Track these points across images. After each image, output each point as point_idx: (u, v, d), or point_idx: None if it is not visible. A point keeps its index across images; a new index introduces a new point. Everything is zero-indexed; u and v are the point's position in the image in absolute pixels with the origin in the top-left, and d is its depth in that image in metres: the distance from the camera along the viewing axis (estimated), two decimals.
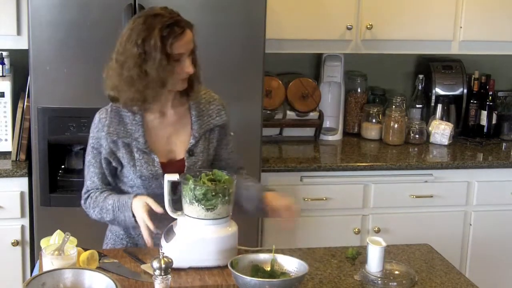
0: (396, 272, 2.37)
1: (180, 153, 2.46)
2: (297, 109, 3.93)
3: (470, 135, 4.19)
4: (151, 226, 2.27)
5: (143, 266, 2.30)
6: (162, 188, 2.38)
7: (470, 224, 3.79)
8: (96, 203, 2.45)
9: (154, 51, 2.28)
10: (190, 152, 2.45)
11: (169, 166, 2.43)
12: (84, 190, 2.51)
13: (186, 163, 2.44)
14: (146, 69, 2.30)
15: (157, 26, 2.29)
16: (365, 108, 4.14)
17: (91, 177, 2.48)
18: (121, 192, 2.50)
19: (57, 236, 2.27)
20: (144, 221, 2.29)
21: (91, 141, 2.47)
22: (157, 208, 2.29)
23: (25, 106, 3.41)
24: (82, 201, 2.51)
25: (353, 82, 4.18)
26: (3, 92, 3.46)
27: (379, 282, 2.29)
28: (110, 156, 2.43)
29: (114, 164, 2.45)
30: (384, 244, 2.31)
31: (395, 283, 2.30)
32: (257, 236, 3.45)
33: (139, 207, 2.32)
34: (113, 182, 2.50)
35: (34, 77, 3.13)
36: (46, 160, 3.16)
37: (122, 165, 2.45)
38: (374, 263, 2.31)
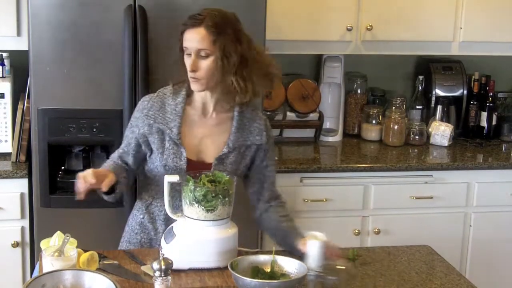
0: (340, 267, 2.37)
1: (210, 157, 2.46)
2: (297, 110, 3.93)
3: (470, 136, 4.19)
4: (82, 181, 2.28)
5: (143, 267, 2.30)
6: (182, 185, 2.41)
7: (470, 225, 3.79)
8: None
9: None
10: (220, 160, 2.45)
11: (196, 165, 2.43)
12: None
13: (212, 169, 2.43)
14: None
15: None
16: (365, 109, 4.14)
17: (118, 148, 2.57)
18: (144, 177, 2.57)
19: (57, 237, 2.27)
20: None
21: (131, 119, 2.54)
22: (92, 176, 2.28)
23: (25, 107, 3.41)
24: None
25: (353, 83, 4.18)
26: (3, 93, 3.46)
27: (318, 276, 2.24)
28: (141, 138, 2.47)
29: (143, 147, 2.49)
30: (324, 238, 2.28)
31: (334, 278, 2.29)
32: (257, 238, 3.45)
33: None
34: (133, 165, 2.53)
35: (34, 78, 3.13)
36: (46, 161, 3.16)
37: (151, 151, 2.49)
38: (313, 258, 2.26)
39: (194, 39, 2.35)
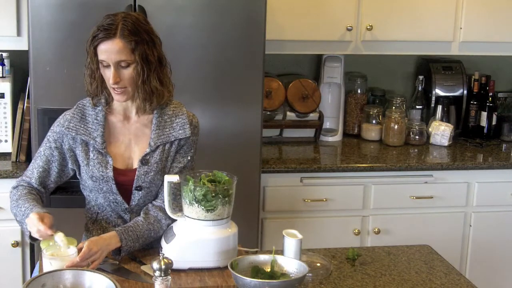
0: (318, 264, 2.38)
1: (137, 161, 2.44)
2: (297, 110, 3.93)
3: (470, 136, 4.19)
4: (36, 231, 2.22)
5: (143, 267, 2.30)
6: (114, 193, 2.41)
7: (470, 225, 3.79)
8: (17, 197, 2.40)
9: (89, 41, 2.34)
10: (144, 161, 2.42)
11: (123, 173, 2.42)
12: (19, 178, 2.48)
13: (137, 172, 2.41)
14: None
15: (97, 24, 2.33)
16: (365, 109, 4.14)
17: (32, 168, 2.46)
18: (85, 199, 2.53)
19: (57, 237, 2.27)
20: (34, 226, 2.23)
21: (48, 134, 2.47)
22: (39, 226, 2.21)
23: (25, 107, 3.41)
24: (12, 186, 2.46)
25: (353, 83, 4.18)
26: (3, 93, 3.47)
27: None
28: (68, 153, 2.43)
29: (70, 164, 2.44)
30: (299, 236, 2.27)
31: (310, 274, 2.29)
32: (257, 238, 3.45)
33: (32, 218, 2.25)
34: (53, 184, 2.47)
35: (34, 78, 3.13)
36: None
37: (79, 167, 2.45)
38: (290, 256, 2.26)
39: (112, 51, 2.29)
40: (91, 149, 2.41)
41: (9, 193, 2.46)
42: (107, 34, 2.29)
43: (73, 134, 2.41)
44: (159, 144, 2.43)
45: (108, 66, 2.32)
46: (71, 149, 2.43)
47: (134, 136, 2.45)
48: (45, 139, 2.47)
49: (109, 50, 2.29)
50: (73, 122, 2.42)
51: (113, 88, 2.35)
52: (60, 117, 2.48)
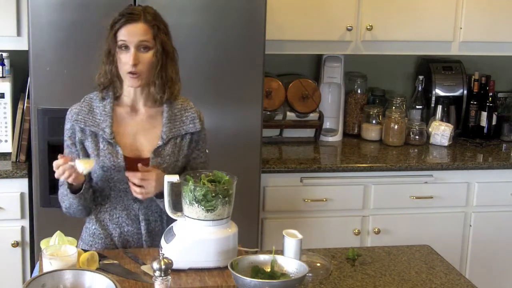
0: (318, 264, 2.38)
1: (146, 152, 2.46)
2: (297, 110, 3.93)
3: (470, 136, 4.19)
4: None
5: (143, 267, 2.30)
6: (125, 182, 2.43)
7: (470, 225, 3.79)
8: (60, 192, 2.47)
9: (108, 30, 2.39)
10: (157, 153, 2.44)
11: (134, 162, 2.43)
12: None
13: (150, 163, 2.43)
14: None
15: (119, 13, 2.39)
16: (365, 109, 4.14)
17: None
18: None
19: (57, 237, 2.27)
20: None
21: (65, 136, 2.50)
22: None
23: (25, 107, 3.41)
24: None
25: (353, 83, 4.18)
26: (3, 93, 3.47)
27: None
28: (79, 145, 2.46)
29: (81, 156, 2.46)
30: (299, 236, 2.27)
31: (310, 274, 2.30)
32: (257, 238, 3.45)
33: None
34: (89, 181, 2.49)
35: (34, 78, 3.13)
36: (46, 161, 3.16)
37: (89, 157, 2.46)
38: (290, 256, 2.25)
39: (135, 33, 2.35)
40: (101, 140, 2.44)
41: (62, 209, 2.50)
42: (130, 18, 2.36)
43: (82, 125, 2.44)
44: (170, 137, 2.46)
45: (127, 49, 2.36)
46: (81, 141, 2.46)
47: (142, 128, 2.48)
48: (65, 144, 2.50)
49: (132, 32, 2.35)
50: (81, 115, 2.46)
51: (129, 73, 2.37)
52: (67, 113, 2.50)
